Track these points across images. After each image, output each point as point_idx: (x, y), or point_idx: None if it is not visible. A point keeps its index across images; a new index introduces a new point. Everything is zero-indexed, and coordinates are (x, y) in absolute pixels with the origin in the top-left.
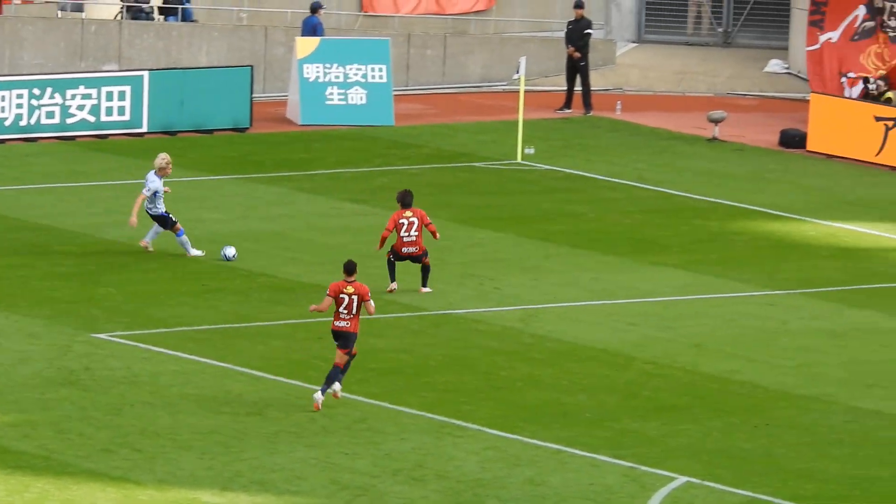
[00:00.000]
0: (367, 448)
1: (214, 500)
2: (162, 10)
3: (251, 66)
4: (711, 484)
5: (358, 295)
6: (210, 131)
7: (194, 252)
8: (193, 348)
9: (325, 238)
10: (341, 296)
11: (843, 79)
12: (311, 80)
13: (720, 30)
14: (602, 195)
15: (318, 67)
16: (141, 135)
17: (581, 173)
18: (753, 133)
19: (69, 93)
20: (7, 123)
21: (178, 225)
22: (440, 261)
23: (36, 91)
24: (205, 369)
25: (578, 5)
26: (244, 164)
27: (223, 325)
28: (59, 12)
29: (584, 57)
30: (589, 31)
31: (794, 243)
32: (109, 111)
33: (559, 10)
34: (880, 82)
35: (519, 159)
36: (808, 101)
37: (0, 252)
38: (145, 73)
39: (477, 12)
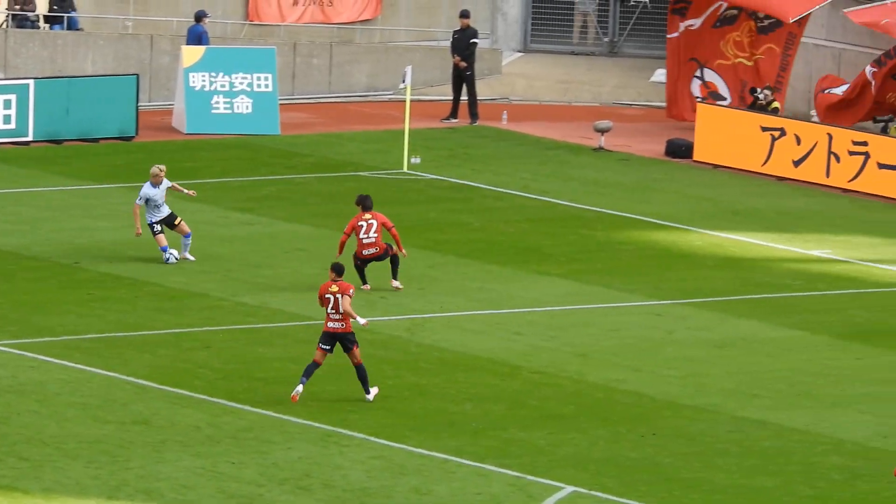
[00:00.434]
0: (254, 457)
1: None
2: (47, 19)
3: (137, 75)
4: (598, 493)
5: (342, 292)
6: (96, 140)
7: (171, 258)
8: (80, 357)
9: (212, 247)
10: (326, 296)
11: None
12: (196, 88)
13: (606, 39)
14: (488, 204)
15: (203, 76)
16: (27, 143)
17: (467, 183)
18: (639, 143)
19: None
20: None
21: (162, 240)
22: (326, 270)
23: None
24: (91, 378)
25: (464, 15)
26: (131, 173)
27: (110, 334)
28: None
29: (470, 66)
30: (475, 40)
31: (679, 253)
32: None
33: (445, 19)
34: (767, 92)
35: (405, 168)
36: (693, 112)
37: None
38: (31, 82)
39: (363, 21)
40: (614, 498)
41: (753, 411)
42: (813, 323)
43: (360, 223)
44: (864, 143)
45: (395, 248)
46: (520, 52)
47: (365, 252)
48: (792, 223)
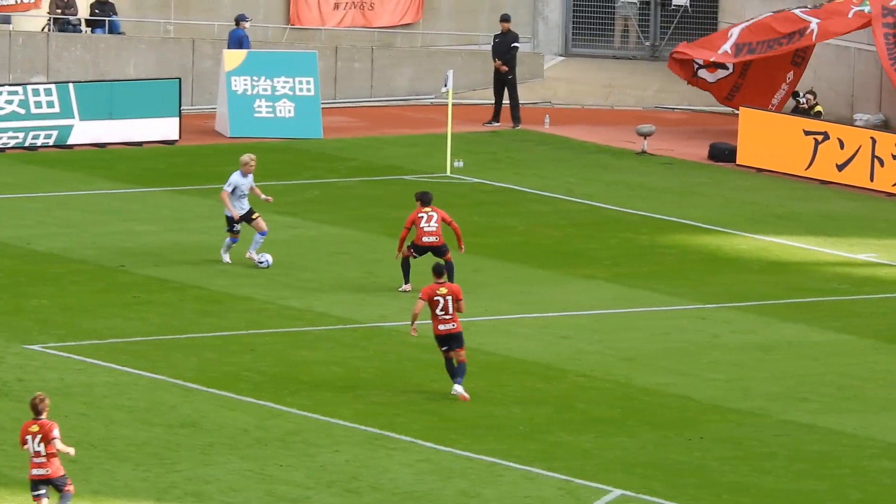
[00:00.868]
0: (302, 460)
1: None
2: (89, 23)
3: (179, 79)
4: (646, 497)
5: (451, 294)
6: (139, 144)
7: (225, 257)
8: (126, 360)
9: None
10: (436, 298)
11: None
12: (238, 92)
13: (647, 43)
14: (531, 208)
15: (245, 80)
16: (70, 147)
17: (510, 186)
18: (682, 147)
19: None
20: None
21: (235, 233)
22: (370, 273)
23: None
24: (137, 381)
25: (505, 19)
26: (173, 177)
27: (155, 337)
28: None
29: (512, 70)
30: (516, 44)
31: (724, 257)
32: (39, 126)
33: (485, 23)
34: (810, 95)
35: (448, 172)
36: (737, 115)
37: None
38: (73, 86)
39: (404, 25)
40: (662, 501)
41: (801, 415)
42: (859, 326)
43: (420, 215)
44: None
45: (449, 252)
46: (561, 56)
47: (425, 239)
48: (836, 227)
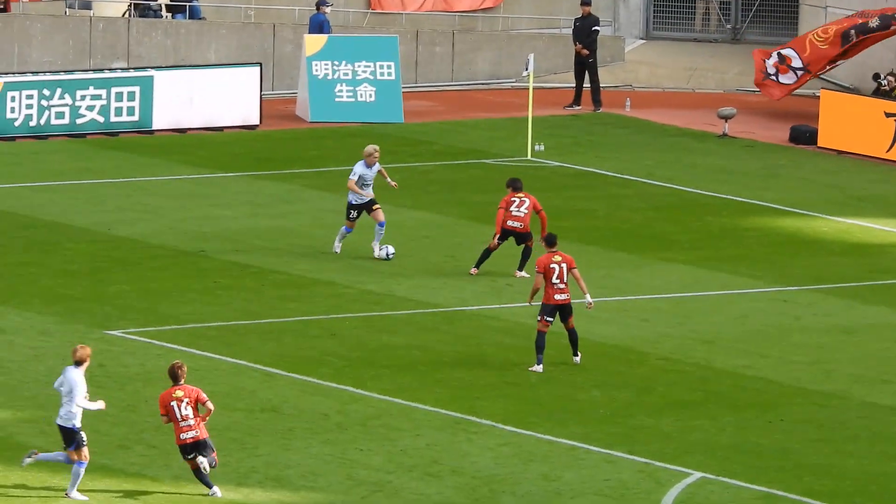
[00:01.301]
0: (382, 444)
1: (230, 495)
2: (169, 8)
3: (260, 64)
4: (727, 479)
5: (566, 263)
6: (220, 129)
7: (337, 247)
8: (206, 345)
9: (336, 235)
10: (551, 266)
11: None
12: (319, 77)
13: (728, 26)
14: (612, 192)
15: (326, 65)
16: (151, 132)
17: (591, 170)
18: (763, 129)
19: (79, 93)
20: (17, 124)
21: (352, 221)
22: (451, 258)
23: (46, 92)
24: (218, 366)
25: (585, 2)
26: (254, 162)
27: (235, 322)
28: (67, 10)
29: (593, 54)
30: (596, 27)
31: (805, 239)
32: (119, 111)
33: (566, 7)
34: (890, 77)
35: (529, 156)
36: (818, 98)
37: (12, 250)
38: (154, 73)
39: (484, 10)
40: (743, 484)
41: (883, 397)
42: None
43: (512, 199)
44: None
45: (532, 240)
46: (642, 39)
47: (510, 223)
48: None
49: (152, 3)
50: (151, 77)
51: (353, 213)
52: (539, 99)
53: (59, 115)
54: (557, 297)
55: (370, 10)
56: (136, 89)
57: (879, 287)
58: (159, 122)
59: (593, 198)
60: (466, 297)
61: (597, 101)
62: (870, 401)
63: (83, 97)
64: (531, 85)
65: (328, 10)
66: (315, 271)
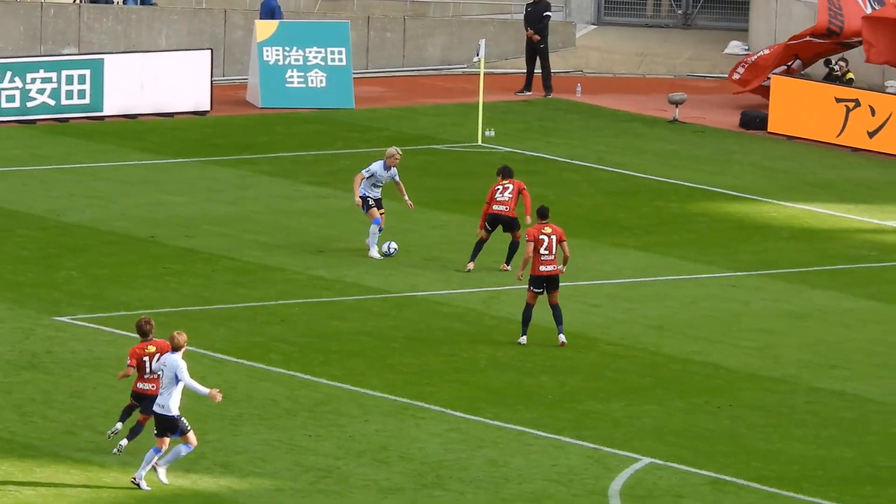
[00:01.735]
0: (331, 430)
1: (178, 482)
2: None
3: (211, 50)
4: (675, 465)
5: (556, 234)
6: (170, 114)
7: (373, 252)
8: (156, 331)
9: (288, 220)
10: (541, 237)
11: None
12: (270, 63)
13: (680, 11)
14: (563, 177)
15: (277, 50)
16: (101, 118)
17: (542, 155)
18: (714, 115)
19: (29, 77)
20: None
21: (375, 213)
22: (402, 244)
23: None
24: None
25: None
26: (205, 148)
27: (186, 308)
28: None
29: (544, 39)
30: (548, 13)
31: (755, 225)
32: (70, 94)
33: None
34: (842, 63)
35: (479, 142)
36: (768, 84)
37: None
38: (105, 57)
39: None
40: (692, 469)
41: (831, 382)
42: (890, 294)
43: (497, 187)
44: None
45: (519, 233)
46: (593, 24)
47: (495, 207)
48: (867, 194)
49: None
50: (102, 60)
51: (371, 202)
52: (490, 84)
53: (10, 99)
54: (543, 268)
55: None
56: (87, 72)
57: (828, 272)
58: (110, 107)
59: (544, 183)
60: (416, 283)
61: (547, 87)
62: (817, 386)
63: (33, 80)
64: (482, 70)
65: None
66: (266, 257)
